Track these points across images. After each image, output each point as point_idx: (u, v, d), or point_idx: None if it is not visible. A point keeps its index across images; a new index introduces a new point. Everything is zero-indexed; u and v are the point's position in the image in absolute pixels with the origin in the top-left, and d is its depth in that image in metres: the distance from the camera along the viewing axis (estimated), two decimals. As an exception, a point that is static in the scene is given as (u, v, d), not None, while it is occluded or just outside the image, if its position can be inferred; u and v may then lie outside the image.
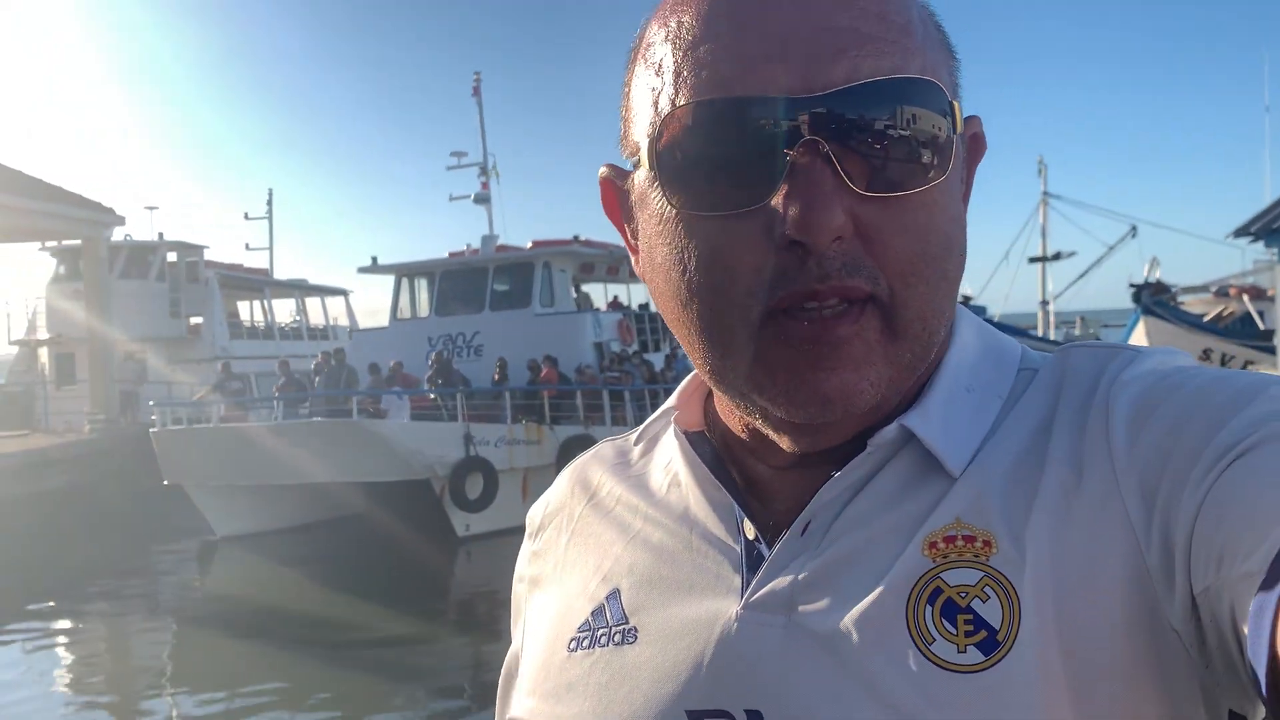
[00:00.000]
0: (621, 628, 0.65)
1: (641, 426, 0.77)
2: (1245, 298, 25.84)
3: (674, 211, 0.58)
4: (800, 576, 0.60)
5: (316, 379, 16.07)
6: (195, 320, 24.24)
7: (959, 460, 0.59)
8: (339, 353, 16.10)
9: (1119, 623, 0.52)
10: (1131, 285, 23.15)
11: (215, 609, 11.78)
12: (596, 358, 17.83)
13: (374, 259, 19.48)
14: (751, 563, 0.63)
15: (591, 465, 0.79)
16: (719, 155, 0.55)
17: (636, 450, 0.77)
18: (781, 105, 0.54)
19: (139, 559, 14.09)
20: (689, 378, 0.72)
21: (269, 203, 33.86)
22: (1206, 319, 23.83)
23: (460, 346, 17.89)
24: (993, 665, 0.53)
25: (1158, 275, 27.05)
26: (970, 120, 0.62)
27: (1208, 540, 0.50)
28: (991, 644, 0.53)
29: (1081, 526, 0.55)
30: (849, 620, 0.57)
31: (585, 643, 0.67)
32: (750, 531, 0.64)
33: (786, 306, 0.56)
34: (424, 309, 18.94)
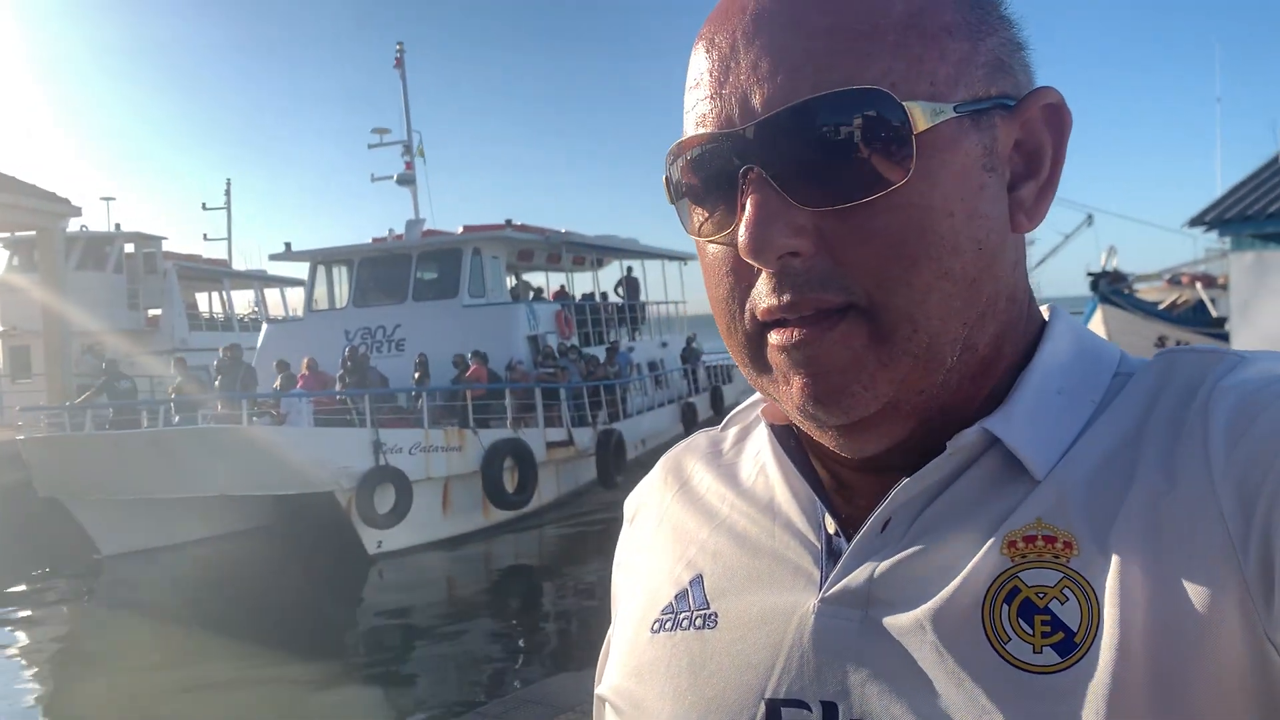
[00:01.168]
0: (703, 613, 0.66)
1: (730, 415, 0.78)
2: (1198, 285, 26.60)
3: (693, 237, 0.63)
4: (877, 572, 0.60)
5: (217, 379, 14.48)
6: (154, 312, 23.74)
7: (1044, 463, 0.59)
8: (234, 349, 14.51)
9: (1209, 632, 0.50)
10: (1089, 274, 23.18)
11: (85, 640, 10.30)
12: (531, 352, 16.46)
13: (287, 245, 17.95)
14: (831, 556, 0.63)
15: (685, 454, 0.79)
16: (700, 188, 0.60)
17: (729, 440, 0.77)
18: (728, 137, 0.57)
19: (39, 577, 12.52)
20: None
21: (227, 193, 33.12)
22: (1161, 307, 24.10)
23: (381, 340, 16.42)
24: (1069, 667, 0.52)
25: (1115, 264, 27.24)
26: (1036, 94, 0.61)
27: None
28: (1069, 645, 0.53)
29: (1173, 533, 0.53)
30: (924, 617, 0.57)
31: (668, 625, 0.68)
32: (831, 525, 0.65)
33: (766, 321, 0.59)
34: (343, 299, 17.41)
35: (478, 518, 13.68)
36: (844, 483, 0.66)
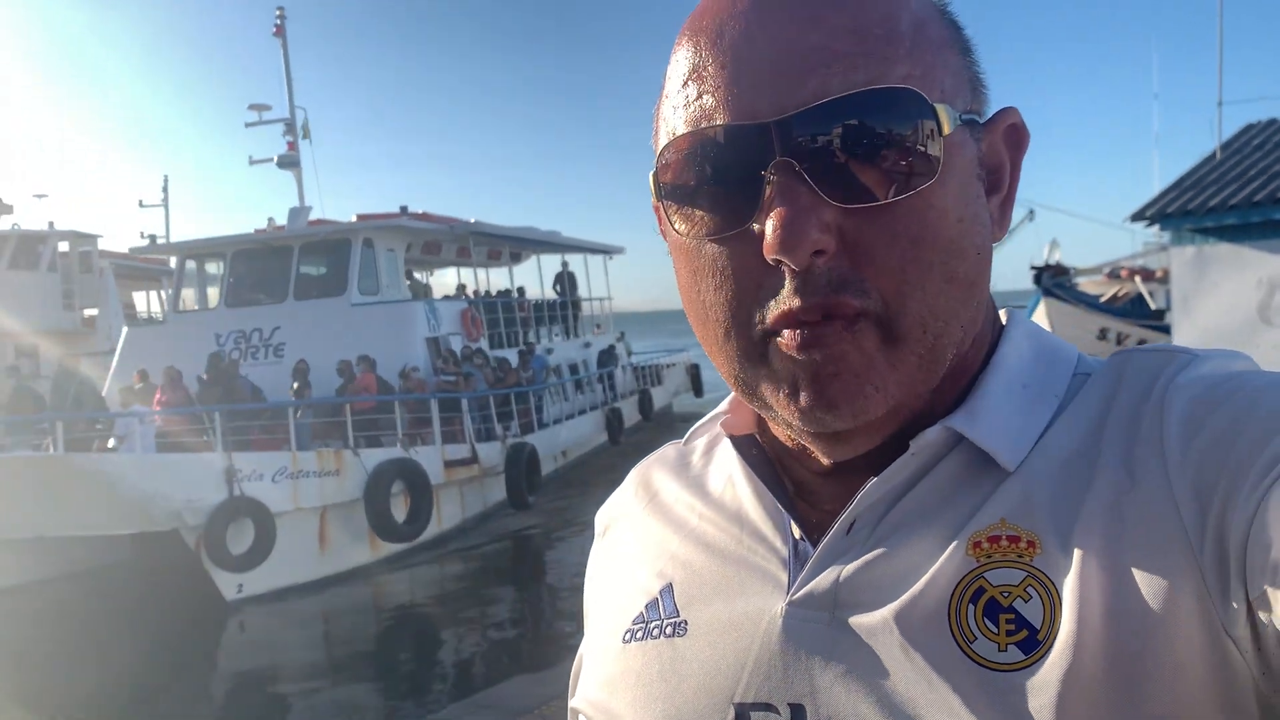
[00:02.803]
0: (673, 621, 0.67)
1: (694, 427, 0.78)
2: (1137, 279, 27.06)
3: (682, 237, 0.61)
4: (843, 575, 0.61)
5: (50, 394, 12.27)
6: (90, 312, 22.72)
7: (1014, 455, 0.59)
8: (69, 359, 12.27)
9: (1170, 625, 0.51)
10: (1033, 267, 23.38)
11: None
12: (431, 357, 14.51)
13: (153, 237, 15.79)
14: (799, 561, 0.64)
15: (655, 466, 0.80)
16: (708, 183, 0.58)
17: (697, 452, 0.78)
18: (754, 130, 0.56)
19: None
20: None
21: (164, 190, 31.33)
22: (1103, 300, 24.76)
23: (257, 345, 14.32)
24: (1032, 664, 0.53)
25: (1058, 258, 27.62)
26: (1003, 113, 0.63)
27: (1263, 546, 0.50)
28: (1032, 643, 0.54)
29: (1133, 529, 0.54)
30: (891, 617, 0.57)
31: (639, 635, 0.68)
32: (796, 531, 0.65)
33: (778, 327, 0.57)
34: (216, 299, 15.24)
35: (363, 552, 11.73)
36: (810, 489, 0.67)
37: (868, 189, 0.55)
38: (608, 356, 21.07)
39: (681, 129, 0.59)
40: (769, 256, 0.55)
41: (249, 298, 14.86)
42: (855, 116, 0.54)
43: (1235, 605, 0.50)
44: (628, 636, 0.68)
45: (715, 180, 0.57)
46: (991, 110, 0.63)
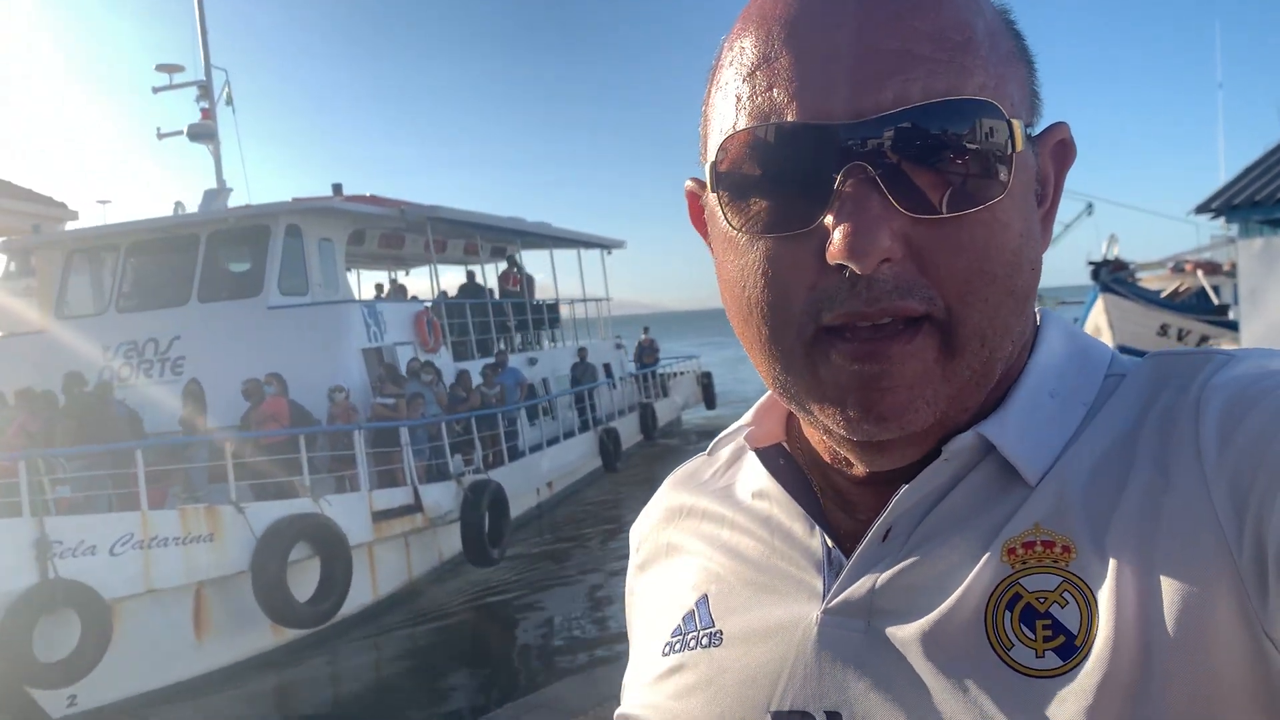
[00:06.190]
0: (709, 631, 0.68)
1: (717, 438, 0.78)
2: (1200, 273, 25.75)
3: (734, 231, 0.60)
4: (879, 582, 0.61)
5: None
6: None
7: (1036, 469, 0.60)
8: None
9: (1208, 628, 0.51)
10: (1090, 262, 22.47)
11: None
12: (370, 373, 11.52)
13: (36, 227, 12.82)
14: (833, 569, 0.64)
15: (682, 480, 0.80)
16: (772, 179, 0.58)
17: (724, 463, 0.78)
18: (829, 131, 0.55)
19: None
20: (767, 395, 0.72)
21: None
22: (1163, 295, 23.63)
23: (150, 360, 11.37)
24: (1070, 670, 0.53)
25: (1116, 252, 25.54)
26: (1055, 127, 0.63)
27: None
28: (1069, 649, 0.54)
29: (1169, 531, 0.54)
30: (928, 625, 0.58)
31: (677, 646, 0.70)
32: (829, 540, 0.65)
33: (837, 325, 0.57)
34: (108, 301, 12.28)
35: (264, 636, 8.75)
36: (846, 497, 0.66)
37: (939, 200, 0.55)
38: (583, 370, 17.52)
39: (745, 121, 0.58)
40: (833, 260, 0.55)
41: (146, 300, 11.89)
42: (934, 126, 0.54)
43: (1274, 608, 0.49)
44: (666, 649, 0.70)
45: (780, 177, 0.57)
46: (1043, 124, 0.63)
